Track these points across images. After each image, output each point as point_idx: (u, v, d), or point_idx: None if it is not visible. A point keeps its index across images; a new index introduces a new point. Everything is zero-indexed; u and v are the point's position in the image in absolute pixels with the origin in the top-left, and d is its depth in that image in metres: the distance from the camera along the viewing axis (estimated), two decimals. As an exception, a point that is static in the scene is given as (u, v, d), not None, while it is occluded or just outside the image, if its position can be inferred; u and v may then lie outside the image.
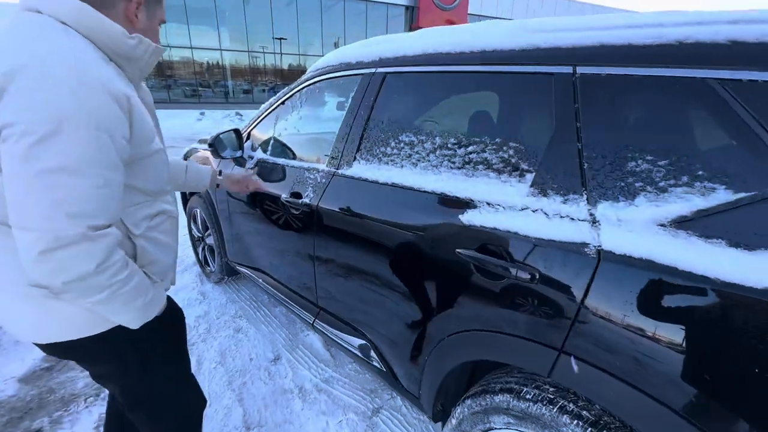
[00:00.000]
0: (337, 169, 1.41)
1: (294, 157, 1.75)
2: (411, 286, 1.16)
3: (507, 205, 0.93)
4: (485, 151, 1.02)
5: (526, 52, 0.96)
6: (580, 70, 0.86)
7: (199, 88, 21.99)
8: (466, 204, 1.00)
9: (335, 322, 1.53)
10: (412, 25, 21.70)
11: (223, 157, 1.81)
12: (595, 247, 0.76)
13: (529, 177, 0.92)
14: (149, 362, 0.91)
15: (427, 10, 21.21)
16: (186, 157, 2.56)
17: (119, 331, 0.80)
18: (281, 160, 1.72)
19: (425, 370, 1.15)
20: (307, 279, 1.60)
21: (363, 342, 1.42)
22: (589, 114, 0.83)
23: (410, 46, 1.27)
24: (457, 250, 0.98)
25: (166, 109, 14.37)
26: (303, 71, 1.78)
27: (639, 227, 0.73)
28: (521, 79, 0.97)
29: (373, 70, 1.36)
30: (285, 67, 23.82)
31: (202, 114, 14.31)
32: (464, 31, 1.15)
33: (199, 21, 19.72)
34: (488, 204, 0.96)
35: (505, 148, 0.98)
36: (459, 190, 1.03)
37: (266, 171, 1.78)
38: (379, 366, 1.36)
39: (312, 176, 1.50)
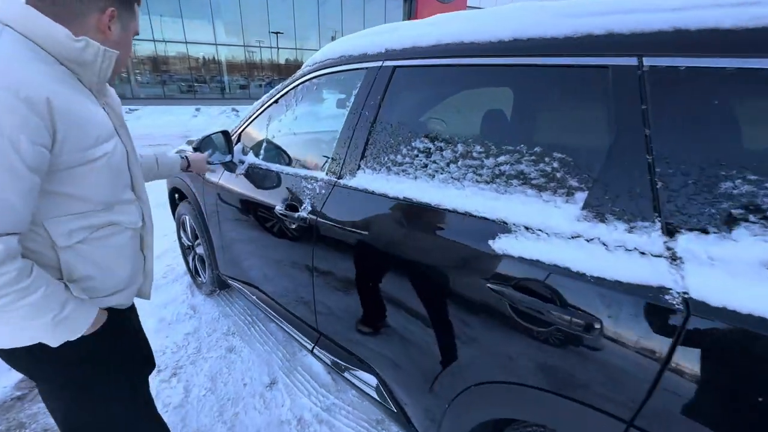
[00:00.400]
0: (339, 178, 1.23)
1: (289, 162, 1.56)
2: (428, 320, 0.98)
3: (552, 231, 0.75)
4: (521, 162, 0.83)
5: (574, 40, 0.77)
6: (648, 61, 0.68)
7: (195, 84, 21.66)
8: (499, 227, 0.81)
9: (338, 351, 1.35)
10: (410, 18, 21.36)
11: (210, 163, 1.62)
12: (679, 294, 0.58)
13: (580, 197, 0.74)
14: (87, 391, 0.85)
15: (426, 2, 20.85)
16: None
17: (47, 349, 0.75)
18: (275, 166, 1.53)
19: (444, 421, 0.98)
20: (306, 301, 1.42)
21: (370, 376, 1.24)
22: (664, 118, 0.65)
23: (422, 34, 1.08)
24: (489, 284, 0.80)
25: (160, 105, 14.10)
26: (300, 66, 1.59)
27: (742, 270, 0.55)
28: (567, 73, 0.79)
29: (379, 63, 1.17)
30: (282, 61, 23.49)
31: (197, 110, 14.05)
32: (488, 17, 0.96)
33: (193, 15, 19.36)
34: (526, 229, 0.78)
35: (547, 159, 0.80)
36: (488, 210, 0.84)
37: (258, 178, 1.59)
38: (388, 405, 1.19)
39: (310, 186, 1.31)
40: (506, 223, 0.81)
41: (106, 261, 0.80)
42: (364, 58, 1.23)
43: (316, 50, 1.53)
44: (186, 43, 20.06)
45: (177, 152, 2.35)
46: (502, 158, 0.86)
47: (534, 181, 0.80)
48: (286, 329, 1.61)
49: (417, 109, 1.11)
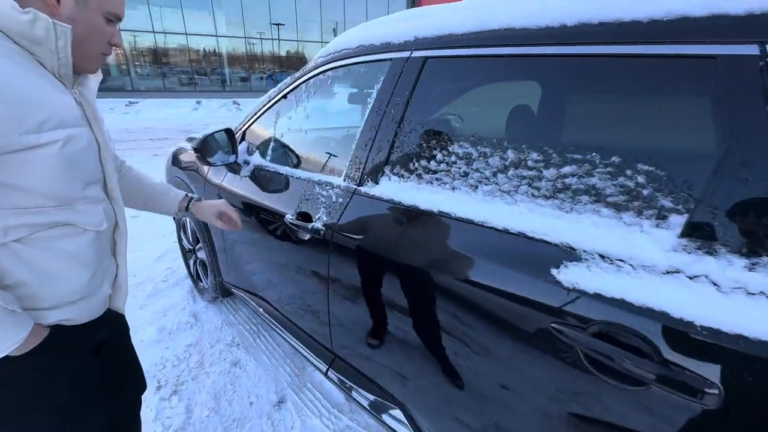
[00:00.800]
0: (359, 185, 1.08)
1: (300, 164, 1.42)
2: (474, 357, 0.83)
3: (638, 262, 0.60)
4: (593, 174, 0.68)
5: (665, 24, 0.62)
6: (775, 50, 0.53)
7: (195, 76, 21.44)
8: (564, 253, 0.67)
9: (356, 377, 1.21)
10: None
11: (211, 164, 1.48)
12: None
13: (677, 220, 0.59)
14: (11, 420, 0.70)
15: (430, -8, 20.47)
16: (175, 157, 2.23)
17: None
18: (284, 169, 1.38)
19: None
20: (320, 319, 1.28)
21: (393, 407, 1.11)
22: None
23: (461, 19, 0.92)
24: (553, 324, 0.66)
25: (160, 98, 13.90)
26: (301, 58, 1.44)
27: None
28: (655, 66, 0.64)
29: (407, 53, 1.01)
30: (283, 54, 23.21)
31: (198, 103, 13.85)
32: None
33: (194, 5, 19.08)
34: (602, 258, 0.63)
35: (629, 171, 0.65)
36: (550, 232, 0.70)
37: (265, 181, 1.45)
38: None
39: (325, 192, 1.16)
40: (574, 249, 0.66)
41: (49, 267, 0.68)
42: (388, 47, 1.07)
43: (318, 42, 1.37)
44: (186, 34, 19.78)
45: (175, 153, 2.21)
46: (567, 168, 0.71)
47: (611, 198, 0.66)
48: (296, 346, 1.47)
49: (454, 107, 0.96)
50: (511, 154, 0.79)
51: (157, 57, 20.80)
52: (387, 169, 1.02)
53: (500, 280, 0.74)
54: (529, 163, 0.76)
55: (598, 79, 0.71)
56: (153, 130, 9.07)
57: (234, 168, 1.59)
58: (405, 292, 0.95)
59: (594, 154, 0.68)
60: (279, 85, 1.49)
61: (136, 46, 19.93)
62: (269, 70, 23.47)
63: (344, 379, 1.24)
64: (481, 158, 0.83)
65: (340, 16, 21.84)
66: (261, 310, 1.67)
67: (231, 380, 1.75)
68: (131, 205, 1.00)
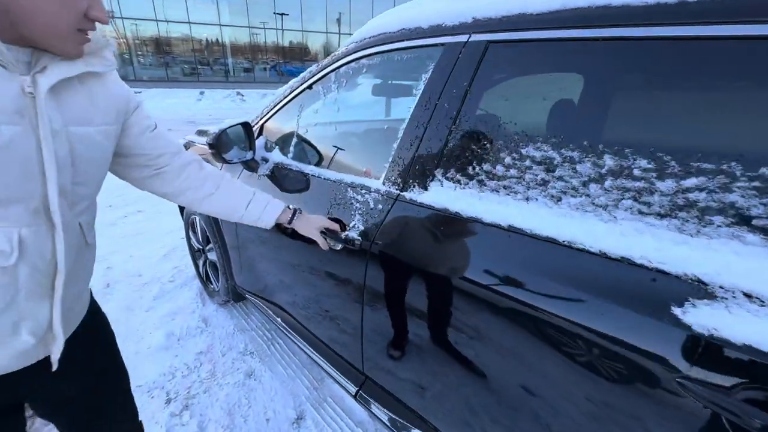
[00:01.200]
0: (402, 190, 0.94)
1: (329, 164, 1.27)
2: (553, 410, 0.70)
3: (807, 307, 0.46)
4: (730, 189, 0.54)
5: None
6: None
7: (198, 66, 21.21)
8: (691, 289, 0.53)
9: (392, 404, 1.08)
10: None
11: (227, 161, 1.34)
12: None
13: None
14: None
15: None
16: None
17: None
18: (310, 168, 1.24)
19: None
20: (350, 337, 1.15)
21: (435, 441, 0.98)
22: None
23: (533, -4, 0.77)
24: (678, 379, 0.52)
25: (164, 88, 13.70)
26: (304, 48, 1.28)
27: None
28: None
29: (464, 38, 0.87)
30: (286, 44, 22.90)
31: (201, 94, 13.65)
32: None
33: (197, -6, 18.83)
34: (747, 297, 0.49)
35: (788, 187, 0.50)
36: (670, 260, 0.56)
37: (287, 181, 1.31)
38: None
39: (360, 197, 1.03)
40: (704, 284, 0.53)
41: None
42: (439, 30, 0.92)
43: (322, 33, 1.21)
44: (189, 23, 19.50)
45: (183, 146, 2.07)
46: (693, 180, 0.57)
47: (761, 220, 0.52)
48: (319, 362, 1.35)
49: (526, 102, 0.81)
50: (609, 160, 0.64)
51: (160, 46, 20.56)
52: (438, 173, 0.88)
53: (596, 317, 0.60)
54: (636, 171, 0.62)
55: (732, 67, 0.57)
56: (158, 121, 8.90)
57: (251, 165, 1.45)
58: (460, 317, 0.81)
59: (733, 163, 0.54)
60: (303, 75, 1.34)
61: (138, 34, 19.67)
62: (272, 61, 23.18)
63: (376, 404, 1.11)
64: (566, 163, 0.69)
65: (345, 6, 21.46)
66: (279, 319, 1.54)
67: (245, 393, 1.63)
68: (226, 215, 0.95)
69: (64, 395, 0.74)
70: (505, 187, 0.77)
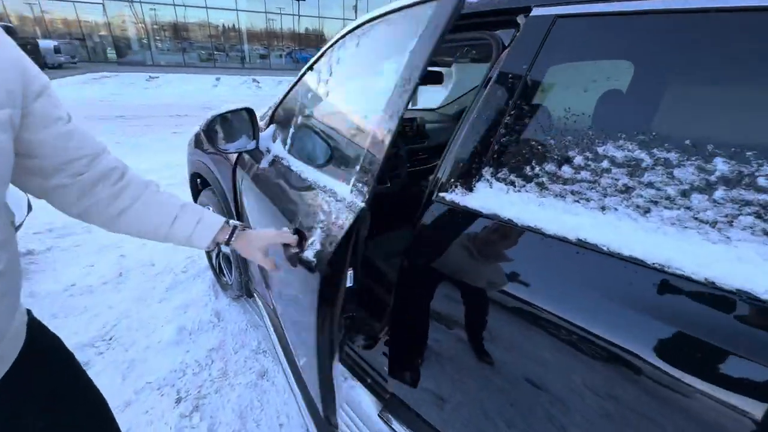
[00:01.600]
0: (438, 189, 0.82)
1: (328, 161, 1.15)
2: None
3: None
4: None
5: None
6: None
7: (215, 53, 21.21)
8: None
9: (420, 426, 0.98)
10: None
11: (223, 151, 1.23)
12: None
13: None
14: None
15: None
16: (198, 139, 1.99)
17: None
18: (298, 165, 1.12)
19: None
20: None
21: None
22: None
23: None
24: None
25: (181, 74, 13.71)
26: (320, 35, 1.14)
27: None
28: None
29: (524, 11, 0.73)
30: (302, 31, 22.66)
31: (217, 80, 13.62)
32: None
33: (214, -22, 18.74)
34: None
35: None
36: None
37: (276, 177, 1.19)
38: None
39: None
40: None
41: None
42: (491, 3, 0.78)
43: (339, 19, 1.07)
44: (207, 8, 19.42)
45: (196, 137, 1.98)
46: None
47: None
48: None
49: (606, 89, 0.67)
50: (722, 164, 0.51)
51: (178, 32, 20.61)
52: (486, 172, 0.75)
53: (699, 356, 0.48)
54: (760, 180, 0.48)
55: None
56: (173, 107, 8.91)
57: (255, 156, 1.34)
58: (509, 339, 0.69)
59: None
60: (323, 50, 1.21)
61: (156, 19, 19.72)
62: (288, 48, 23.00)
63: (403, 426, 1.01)
64: (659, 167, 0.55)
65: (363, -9, 21.00)
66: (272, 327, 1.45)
67: (258, 395, 1.55)
68: (148, 235, 0.72)
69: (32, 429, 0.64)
70: (573, 193, 0.64)
